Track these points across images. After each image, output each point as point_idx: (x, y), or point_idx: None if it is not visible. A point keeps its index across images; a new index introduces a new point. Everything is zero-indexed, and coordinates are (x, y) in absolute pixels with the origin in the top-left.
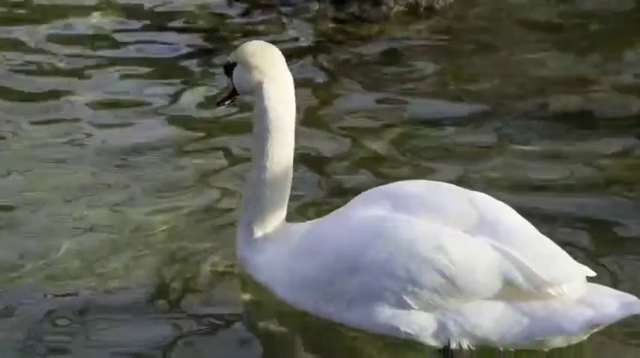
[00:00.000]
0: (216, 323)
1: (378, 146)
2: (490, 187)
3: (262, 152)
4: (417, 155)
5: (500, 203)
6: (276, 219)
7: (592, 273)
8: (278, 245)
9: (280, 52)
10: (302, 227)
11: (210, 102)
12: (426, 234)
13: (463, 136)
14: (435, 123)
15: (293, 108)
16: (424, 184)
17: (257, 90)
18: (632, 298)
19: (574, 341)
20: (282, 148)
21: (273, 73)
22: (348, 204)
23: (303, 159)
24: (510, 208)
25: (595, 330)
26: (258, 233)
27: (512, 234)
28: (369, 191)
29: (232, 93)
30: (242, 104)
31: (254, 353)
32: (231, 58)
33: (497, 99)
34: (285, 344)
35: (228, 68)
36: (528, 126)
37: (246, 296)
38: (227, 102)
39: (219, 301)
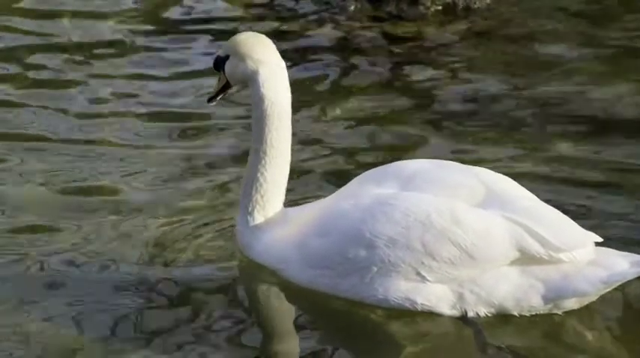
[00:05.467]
0: (218, 311)
1: (411, 149)
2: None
3: (261, 138)
4: (446, 152)
5: (503, 176)
6: (275, 204)
7: (599, 239)
8: (282, 227)
9: (270, 40)
10: (304, 209)
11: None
12: (441, 208)
13: (498, 139)
14: (471, 123)
15: (288, 94)
16: (428, 162)
17: (252, 78)
18: None
19: (586, 301)
20: (280, 133)
21: (266, 60)
22: (351, 183)
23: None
24: (513, 181)
25: (607, 290)
26: (260, 218)
27: (520, 204)
28: (372, 170)
29: (225, 87)
30: None
31: (267, 335)
32: (221, 52)
33: (536, 100)
34: (294, 325)
35: (220, 62)
36: (568, 128)
37: (250, 280)
38: (219, 97)
39: (221, 284)
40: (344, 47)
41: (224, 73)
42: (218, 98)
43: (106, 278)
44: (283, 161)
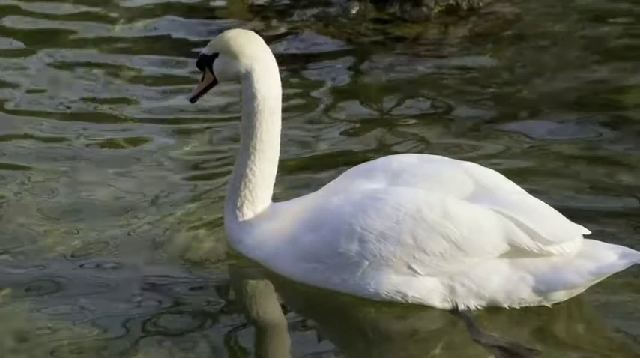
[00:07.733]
0: (212, 308)
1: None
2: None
3: (251, 133)
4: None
5: (491, 171)
6: (264, 199)
7: (587, 231)
8: (272, 222)
9: (259, 36)
10: (293, 203)
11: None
12: (432, 202)
13: (499, 139)
14: (473, 124)
15: (280, 89)
16: (416, 157)
17: (246, 76)
18: (628, 249)
19: (575, 293)
20: (270, 128)
21: (259, 57)
22: (339, 177)
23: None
24: (501, 175)
25: (596, 281)
26: (249, 213)
27: (509, 198)
28: (361, 165)
29: (210, 85)
30: None
31: (258, 330)
32: (208, 51)
33: (538, 100)
34: (286, 319)
35: (207, 60)
36: (566, 127)
37: (240, 276)
38: (203, 96)
39: (210, 278)
40: (347, 49)
41: (211, 71)
42: (202, 96)
43: (100, 279)
44: (272, 156)
